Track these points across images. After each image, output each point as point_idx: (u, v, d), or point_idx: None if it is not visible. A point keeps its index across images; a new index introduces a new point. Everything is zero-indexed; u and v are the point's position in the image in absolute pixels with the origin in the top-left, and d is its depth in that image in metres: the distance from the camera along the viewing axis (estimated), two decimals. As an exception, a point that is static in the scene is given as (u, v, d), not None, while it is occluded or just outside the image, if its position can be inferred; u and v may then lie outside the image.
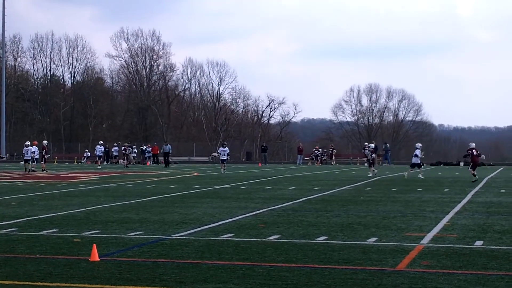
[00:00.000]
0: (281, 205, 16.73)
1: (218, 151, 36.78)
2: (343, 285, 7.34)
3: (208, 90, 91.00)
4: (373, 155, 34.08)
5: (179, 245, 10.24)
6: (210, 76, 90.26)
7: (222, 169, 35.71)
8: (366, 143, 59.92)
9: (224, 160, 36.13)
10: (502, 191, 22.03)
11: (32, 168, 38.50)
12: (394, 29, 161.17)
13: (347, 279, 7.64)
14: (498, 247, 10.02)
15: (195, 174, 35.38)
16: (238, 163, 60.28)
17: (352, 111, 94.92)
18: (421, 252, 9.51)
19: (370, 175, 31.79)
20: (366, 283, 7.46)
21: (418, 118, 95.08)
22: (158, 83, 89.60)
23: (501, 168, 45.02)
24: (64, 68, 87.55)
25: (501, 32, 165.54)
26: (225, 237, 11.02)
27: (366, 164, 52.94)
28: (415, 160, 30.32)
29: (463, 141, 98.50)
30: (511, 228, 12.18)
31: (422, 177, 29.38)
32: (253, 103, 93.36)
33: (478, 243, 10.40)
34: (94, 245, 9.23)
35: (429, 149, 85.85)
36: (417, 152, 30.26)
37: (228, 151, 37.19)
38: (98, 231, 11.85)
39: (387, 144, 58.88)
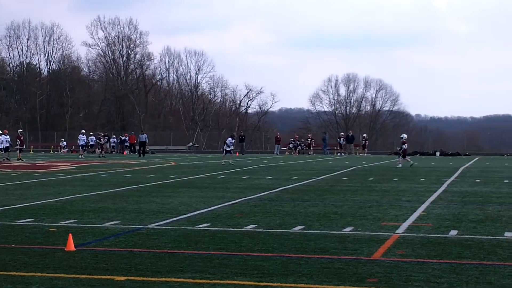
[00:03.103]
0: (258, 195, 16.76)
1: (226, 142, 35.37)
2: (319, 274, 7.39)
3: (186, 80, 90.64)
4: (404, 146, 32.49)
5: (155, 234, 10.23)
6: (187, 66, 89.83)
7: (223, 160, 33.91)
8: (342, 133, 60.21)
9: (230, 151, 34.48)
10: (477, 181, 22.25)
11: (7, 157, 38.14)
12: (372, 20, 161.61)
13: (323, 268, 7.69)
14: (472, 236, 10.14)
15: (172, 163, 35.29)
16: (216, 153, 60.22)
17: (329, 101, 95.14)
18: (396, 242, 9.60)
19: (400, 165, 31.28)
20: (342, 272, 7.51)
21: (395, 108, 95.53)
22: (135, 72, 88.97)
23: (477, 158, 45.45)
24: (40, 56, 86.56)
25: (477, 23, 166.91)
26: (202, 227, 11.03)
27: (343, 154, 53.27)
28: None
29: (440, 131, 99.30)
30: (485, 218, 12.32)
31: None
32: (231, 92, 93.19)
33: (453, 232, 10.51)
34: (70, 234, 9.20)
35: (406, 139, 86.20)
36: None
37: (233, 142, 35.94)
38: (74, 220, 11.80)
39: (325, 134, 59.73)
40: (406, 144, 32.63)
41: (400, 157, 32.67)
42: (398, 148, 33.25)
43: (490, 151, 63.13)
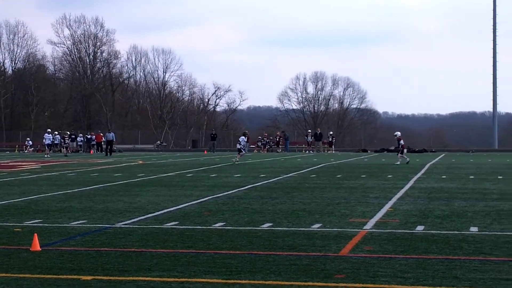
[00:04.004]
0: (227, 193, 16.73)
1: (239, 140, 35.05)
2: (287, 271, 7.39)
3: (154, 78, 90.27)
4: (401, 142, 31.95)
5: (122, 233, 10.14)
6: (155, 64, 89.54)
7: (236, 158, 33.40)
8: (309, 131, 60.43)
9: (243, 149, 34.15)
10: (443, 177, 22.49)
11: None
12: (340, 18, 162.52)
13: (291, 265, 7.69)
14: (438, 231, 10.24)
15: (140, 162, 35.07)
16: (184, 151, 60.03)
17: (298, 98, 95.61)
18: (364, 238, 9.64)
19: (398, 163, 30.98)
20: (310, 268, 7.52)
21: (363, 106, 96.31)
22: (102, 71, 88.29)
23: (443, 155, 45.98)
24: (4, 55, 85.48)
25: (445, 21, 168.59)
26: (170, 225, 10.96)
27: (311, 152, 53.49)
28: None
29: (407, 128, 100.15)
30: (451, 213, 12.46)
31: None
32: (199, 90, 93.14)
33: (420, 228, 10.60)
34: (35, 234, 9.07)
35: (373, 137, 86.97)
36: None
37: (246, 140, 35.65)
38: (39, 220, 11.64)
39: (285, 133, 60.10)
40: (402, 140, 32.34)
41: (399, 154, 32.05)
42: (396, 147, 32.63)
43: (456, 147, 63.93)
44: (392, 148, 43.47)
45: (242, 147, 34.33)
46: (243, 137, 35.12)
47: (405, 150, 32.41)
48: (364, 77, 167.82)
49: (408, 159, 31.59)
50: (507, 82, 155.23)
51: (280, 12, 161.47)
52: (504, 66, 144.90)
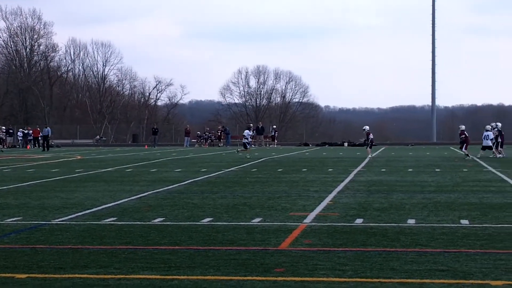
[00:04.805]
0: (167, 188, 16.58)
1: (244, 134, 34.31)
2: (226, 266, 7.34)
3: (93, 71, 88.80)
4: (370, 137, 32.05)
5: (59, 230, 9.93)
6: (94, 57, 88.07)
7: (247, 154, 32.87)
8: (251, 124, 60.50)
9: (249, 143, 33.72)
10: (382, 170, 22.81)
11: None
12: (282, 12, 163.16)
13: (231, 260, 7.65)
14: (377, 224, 10.36)
15: (78, 157, 34.48)
16: (124, 146, 59.34)
17: (240, 92, 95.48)
18: (303, 231, 9.68)
19: (370, 156, 31.05)
20: (249, 263, 7.50)
21: (305, 100, 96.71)
22: (40, 64, 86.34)
23: (383, 148, 46.67)
24: None
25: (385, 16, 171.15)
26: (108, 221, 10.78)
27: (253, 146, 53.56)
28: (486, 143, 30.72)
29: (348, 122, 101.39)
30: (389, 206, 12.63)
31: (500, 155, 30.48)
32: (140, 84, 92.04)
33: (359, 220, 10.71)
34: (-33, 232, 8.79)
35: (315, 130, 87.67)
36: (489, 134, 30.71)
37: (251, 134, 35.02)
38: (-28, 218, 11.30)
39: (226, 127, 60.38)
40: (371, 134, 32.24)
41: (368, 147, 32.05)
42: (364, 139, 33.01)
43: (395, 141, 65.00)
44: (362, 141, 42.95)
45: (247, 140, 33.91)
46: (248, 130, 34.80)
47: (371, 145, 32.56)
48: (306, 71, 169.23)
49: (372, 154, 31.65)
50: (445, 77, 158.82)
51: (221, 5, 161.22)
52: (442, 61, 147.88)
